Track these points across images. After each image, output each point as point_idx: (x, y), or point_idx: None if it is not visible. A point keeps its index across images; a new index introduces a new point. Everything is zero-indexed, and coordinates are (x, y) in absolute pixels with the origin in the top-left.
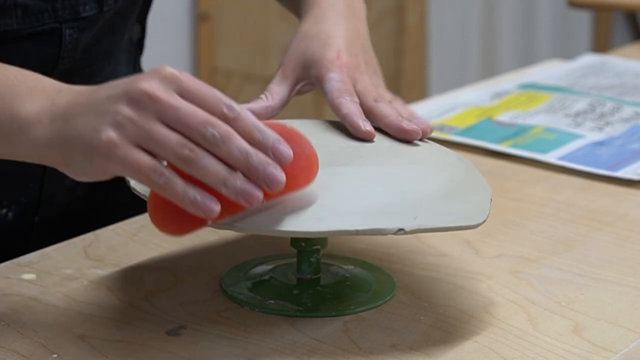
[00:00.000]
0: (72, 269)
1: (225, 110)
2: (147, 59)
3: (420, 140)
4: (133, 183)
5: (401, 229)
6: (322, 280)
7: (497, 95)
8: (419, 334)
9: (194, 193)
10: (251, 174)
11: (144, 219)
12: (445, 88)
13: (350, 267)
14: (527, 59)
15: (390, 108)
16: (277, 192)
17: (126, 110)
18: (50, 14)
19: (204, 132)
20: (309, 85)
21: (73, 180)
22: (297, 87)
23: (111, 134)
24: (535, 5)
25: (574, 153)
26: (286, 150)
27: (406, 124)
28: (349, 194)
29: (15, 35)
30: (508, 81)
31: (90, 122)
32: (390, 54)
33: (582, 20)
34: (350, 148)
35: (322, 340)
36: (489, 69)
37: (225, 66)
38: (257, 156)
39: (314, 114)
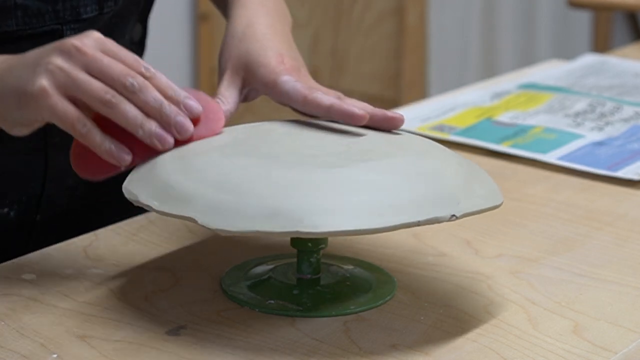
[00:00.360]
0: (72, 269)
1: (143, 70)
2: (147, 59)
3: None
4: (125, 184)
5: (453, 215)
6: (322, 280)
7: (497, 95)
8: (419, 334)
9: (110, 144)
10: (164, 120)
11: (144, 219)
12: (445, 88)
13: (350, 267)
14: (527, 59)
15: (359, 103)
16: (186, 139)
17: (57, 60)
18: (51, 15)
19: (124, 81)
20: (254, 92)
21: (74, 180)
22: (244, 92)
23: (43, 82)
24: (535, 5)
25: (574, 153)
26: (195, 104)
27: (389, 112)
28: (389, 187)
29: (16, 36)
30: (508, 81)
31: (24, 73)
32: (390, 54)
33: (582, 20)
34: (352, 144)
35: (322, 340)
36: (489, 69)
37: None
38: (169, 106)
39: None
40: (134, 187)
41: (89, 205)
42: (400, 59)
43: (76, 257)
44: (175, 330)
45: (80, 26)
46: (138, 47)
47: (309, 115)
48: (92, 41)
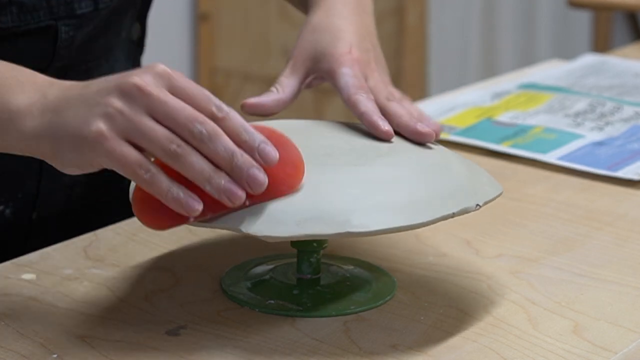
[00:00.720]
0: (72, 269)
1: (214, 109)
2: (147, 59)
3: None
4: (131, 187)
5: (477, 204)
6: (322, 280)
7: (497, 95)
8: (419, 334)
9: (178, 191)
10: (235, 173)
11: None
12: (445, 88)
13: (350, 267)
14: (527, 59)
15: (402, 108)
16: (259, 194)
17: (116, 103)
18: (46, 11)
19: (192, 129)
20: (318, 79)
21: (70, 178)
22: (307, 80)
23: (101, 125)
24: (535, 5)
25: (574, 153)
26: (272, 152)
27: (420, 126)
28: (418, 183)
29: (11, 32)
30: (508, 81)
31: (81, 113)
32: (390, 54)
33: (582, 20)
34: (362, 145)
35: (322, 340)
36: (489, 69)
37: (225, 66)
38: (242, 156)
39: (314, 114)
40: None
41: (87, 205)
42: (400, 59)
43: (76, 257)
44: (175, 330)
45: (76, 22)
46: (136, 46)
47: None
48: (156, 78)
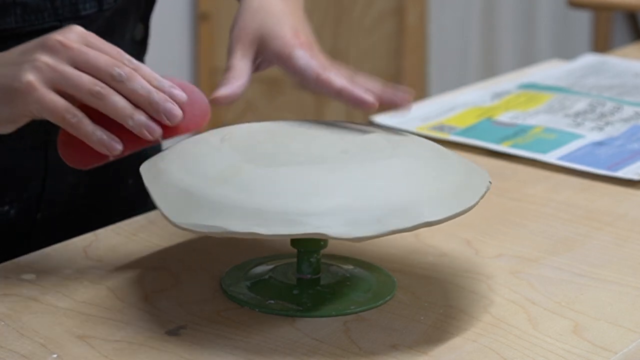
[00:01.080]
0: (72, 269)
1: (126, 61)
2: (147, 59)
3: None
4: (141, 168)
5: (489, 182)
6: (322, 280)
7: (497, 95)
8: (419, 334)
9: (101, 133)
10: (153, 108)
11: (143, 219)
12: (445, 88)
13: (350, 267)
14: (527, 59)
15: (363, 83)
16: (175, 128)
17: (43, 57)
18: (50, 13)
19: (112, 72)
20: (265, 63)
21: (75, 178)
22: (256, 63)
23: (30, 77)
24: (535, 5)
25: (574, 153)
26: (180, 93)
27: (393, 94)
28: (437, 177)
29: (15, 33)
30: (508, 81)
31: (10, 71)
32: (390, 54)
33: (582, 20)
34: (358, 143)
35: (322, 340)
36: (489, 69)
37: (225, 66)
38: (157, 93)
39: (314, 114)
40: (222, 220)
41: (90, 205)
42: (400, 59)
43: (76, 257)
44: (175, 330)
45: (80, 23)
46: (140, 46)
47: (313, 91)
48: (75, 35)
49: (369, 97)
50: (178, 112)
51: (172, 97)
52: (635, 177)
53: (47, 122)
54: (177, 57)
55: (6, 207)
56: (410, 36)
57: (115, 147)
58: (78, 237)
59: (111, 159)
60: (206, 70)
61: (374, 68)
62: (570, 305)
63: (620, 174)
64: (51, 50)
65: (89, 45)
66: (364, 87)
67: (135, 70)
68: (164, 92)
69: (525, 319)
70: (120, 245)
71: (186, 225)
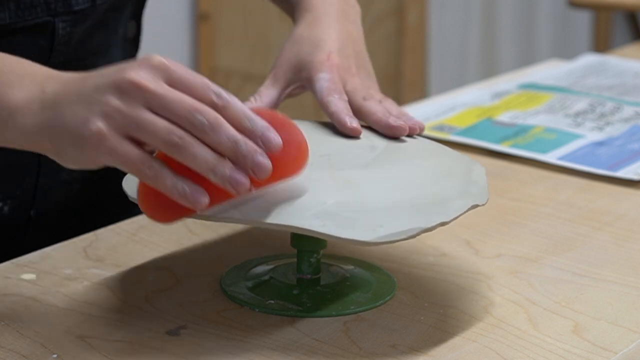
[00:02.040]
0: (72, 269)
1: (214, 98)
2: None
3: (409, 136)
4: (124, 183)
5: (483, 203)
6: (322, 280)
7: (497, 95)
8: (419, 334)
9: (183, 185)
10: (239, 162)
11: (143, 219)
12: (445, 88)
13: (350, 267)
14: (527, 59)
15: (379, 106)
16: (264, 180)
17: (114, 101)
18: (43, 7)
19: (193, 120)
20: (299, 89)
21: (69, 175)
22: (288, 90)
23: (100, 124)
24: (535, 5)
25: (574, 153)
26: (275, 138)
27: (393, 120)
28: (450, 175)
29: (8, 28)
30: (508, 81)
31: (79, 111)
32: (390, 54)
33: (582, 20)
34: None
35: (322, 340)
36: (489, 69)
37: (225, 66)
38: (245, 144)
39: (314, 115)
40: (292, 218)
41: (85, 202)
42: (400, 59)
43: (76, 257)
44: (175, 330)
45: (73, 18)
46: (132, 44)
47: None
48: (152, 71)
49: (351, 124)
50: (267, 166)
51: (265, 142)
52: (635, 177)
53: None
54: (177, 57)
55: (0, 204)
56: (410, 36)
57: (201, 200)
58: (78, 237)
59: (198, 213)
60: (206, 70)
61: (374, 68)
62: (570, 305)
63: (620, 174)
64: (124, 93)
65: (169, 81)
66: (349, 121)
67: (223, 108)
68: (256, 136)
69: (525, 319)
70: (120, 245)
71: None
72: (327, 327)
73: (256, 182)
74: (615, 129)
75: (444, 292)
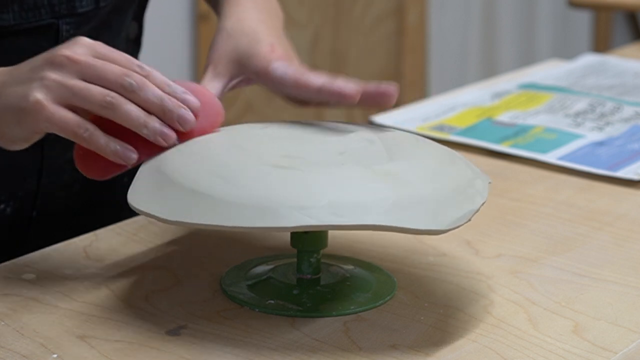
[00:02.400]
0: (72, 269)
1: (137, 68)
2: (147, 59)
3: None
4: (130, 198)
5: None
6: (322, 280)
7: (497, 95)
8: (419, 334)
9: (115, 144)
10: (166, 115)
11: (143, 220)
12: (445, 88)
13: (350, 267)
14: (527, 59)
15: (343, 82)
16: (189, 132)
17: (50, 74)
18: (47, 9)
19: (122, 82)
20: (244, 82)
21: (70, 176)
22: (231, 84)
23: (38, 95)
24: (535, 5)
25: (574, 153)
26: (193, 99)
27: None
28: (452, 168)
29: (12, 30)
30: (508, 81)
31: (18, 90)
32: (390, 54)
33: (582, 20)
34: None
35: (322, 340)
36: (489, 69)
37: None
38: (170, 100)
39: (314, 115)
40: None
41: (86, 203)
42: (400, 59)
43: (76, 257)
44: (175, 330)
45: (77, 20)
46: (134, 45)
47: (300, 103)
48: (82, 48)
49: (349, 89)
50: (191, 117)
51: (185, 103)
52: (635, 177)
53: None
54: (177, 57)
55: (2, 205)
56: (410, 36)
57: (131, 156)
58: (78, 237)
59: (129, 167)
60: None
61: (374, 68)
62: (570, 305)
63: (620, 174)
64: (59, 66)
65: (97, 56)
66: (344, 83)
67: (146, 77)
68: (176, 98)
69: (525, 319)
70: (120, 245)
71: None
72: (327, 327)
73: (181, 135)
74: (615, 129)
75: (444, 292)
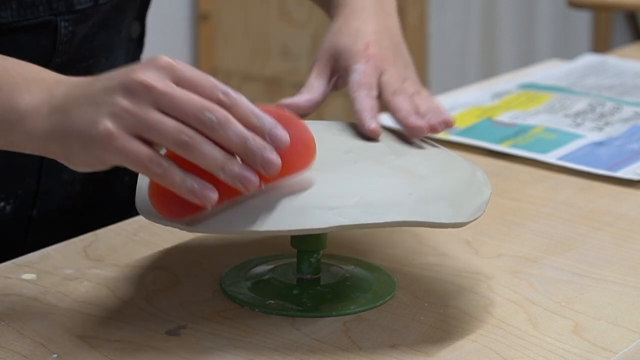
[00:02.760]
0: (72, 269)
1: (221, 96)
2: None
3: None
4: (137, 200)
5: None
6: (322, 280)
7: (497, 95)
8: (419, 334)
9: (192, 182)
10: (248, 158)
11: (143, 219)
12: (445, 88)
13: (350, 267)
14: (527, 59)
15: (406, 101)
16: (273, 176)
17: (122, 101)
18: (45, 7)
19: (202, 118)
20: (341, 79)
21: (70, 175)
22: (333, 80)
23: (108, 124)
24: (535, 5)
25: (574, 153)
26: (283, 134)
27: (412, 120)
28: (457, 170)
29: (11, 27)
30: (508, 81)
31: (88, 113)
32: None
33: (582, 20)
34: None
35: (322, 340)
36: (489, 69)
37: (225, 66)
38: (254, 140)
39: (313, 115)
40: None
41: (87, 202)
42: None
43: (76, 257)
44: (175, 330)
45: (75, 17)
46: (136, 45)
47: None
48: (160, 71)
49: (371, 126)
50: (277, 162)
51: (273, 139)
52: (635, 177)
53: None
54: (177, 57)
55: (2, 204)
56: (410, 36)
57: (209, 196)
58: (78, 237)
59: (209, 208)
60: (206, 70)
61: None
62: (570, 305)
63: (620, 174)
64: (132, 94)
65: (176, 80)
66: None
67: (230, 108)
68: (264, 133)
69: (525, 319)
70: (120, 245)
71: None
72: (327, 327)
73: (265, 179)
74: (615, 129)
75: (444, 292)
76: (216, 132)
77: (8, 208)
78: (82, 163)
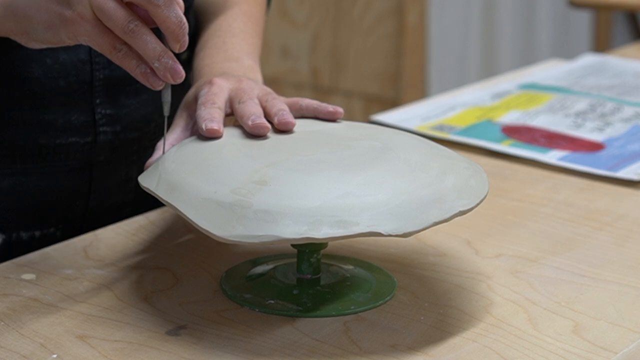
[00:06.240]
0: (72, 269)
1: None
2: None
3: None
4: (140, 178)
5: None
6: (322, 280)
7: (497, 95)
8: (419, 334)
9: (145, 67)
10: (180, 36)
11: (144, 219)
12: (445, 88)
13: (350, 267)
14: (527, 59)
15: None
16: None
17: None
18: None
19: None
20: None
21: (120, 199)
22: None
23: (80, 7)
24: (535, 5)
25: (574, 153)
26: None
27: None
28: (448, 169)
29: None
30: (508, 81)
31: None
32: (390, 54)
33: (582, 20)
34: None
35: (322, 340)
36: (489, 69)
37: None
38: (187, 26)
39: None
40: (273, 229)
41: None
42: (400, 59)
43: (76, 257)
44: (175, 330)
45: None
46: None
47: None
48: None
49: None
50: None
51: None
52: (635, 177)
53: (92, 143)
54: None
55: (52, 229)
56: (410, 36)
57: (157, 82)
58: (78, 237)
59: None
60: None
61: (374, 68)
62: (570, 305)
63: (621, 174)
64: None
65: None
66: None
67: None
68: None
69: (525, 319)
70: (120, 245)
71: (236, 238)
72: (327, 327)
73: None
74: (615, 130)
75: (444, 292)
76: (159, 9)
77: (58, 233)
78: (40, 39)
